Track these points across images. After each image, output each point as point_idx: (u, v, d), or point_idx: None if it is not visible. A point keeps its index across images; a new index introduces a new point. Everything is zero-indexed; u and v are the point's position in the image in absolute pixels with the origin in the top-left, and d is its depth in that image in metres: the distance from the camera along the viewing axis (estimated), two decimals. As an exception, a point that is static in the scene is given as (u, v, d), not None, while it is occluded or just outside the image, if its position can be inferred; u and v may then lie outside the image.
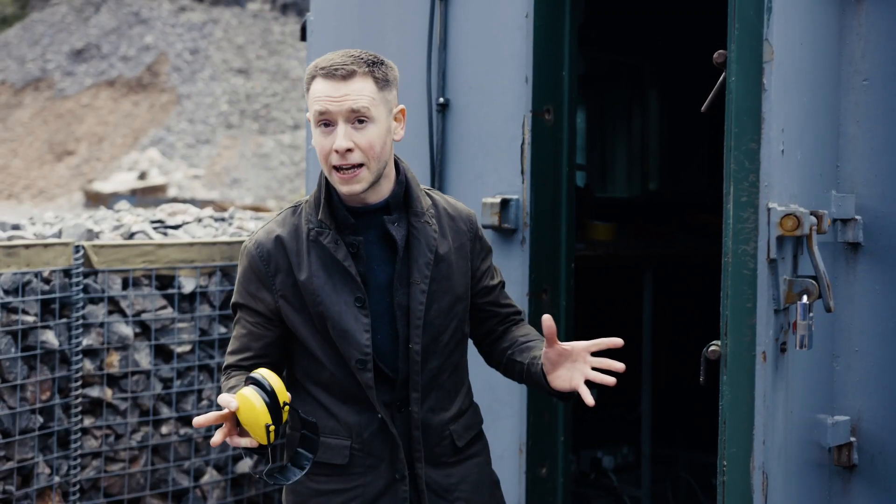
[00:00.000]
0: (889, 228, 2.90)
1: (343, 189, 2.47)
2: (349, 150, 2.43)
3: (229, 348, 2.61)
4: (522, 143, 3.85)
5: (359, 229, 2.53)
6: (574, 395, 2.50)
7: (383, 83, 2.48)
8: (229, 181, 34.57)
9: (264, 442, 2.25)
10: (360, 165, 2.45)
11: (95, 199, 31.00)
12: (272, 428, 2.23)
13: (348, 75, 2.44)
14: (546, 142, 3.88)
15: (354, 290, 2.50)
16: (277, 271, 2.53)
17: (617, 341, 2.43)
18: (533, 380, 2.60)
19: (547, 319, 2.43)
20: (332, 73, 2.44)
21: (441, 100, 4.06)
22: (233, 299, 2.63)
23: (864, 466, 2.97)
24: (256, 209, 21.35)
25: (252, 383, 2.28)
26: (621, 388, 5.40)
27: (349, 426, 2.54)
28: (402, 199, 2.57)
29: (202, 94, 38.01)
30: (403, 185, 2.58)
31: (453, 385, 2.65)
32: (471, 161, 4.02)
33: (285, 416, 2.28)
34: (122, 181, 32.79)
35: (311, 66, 2.51)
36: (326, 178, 2.53)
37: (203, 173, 34.81)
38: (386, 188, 2.55)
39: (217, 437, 2.27)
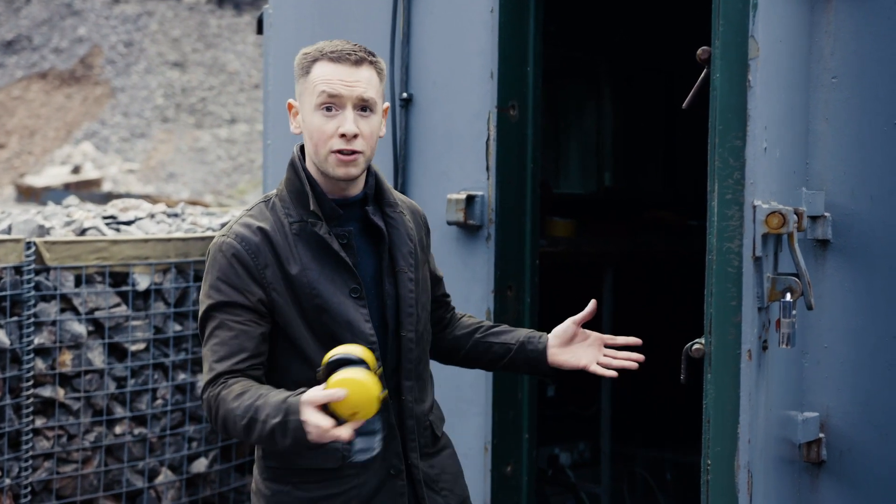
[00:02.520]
0: (857, 225, 2.92)
1: (341, 172, 2.44)
2: (356, 135, 2.42)
3: (215, 355, 2.40)
4: (488, 139, 3.82)
5: (343, 221, 2.51)
6: (560, 375, 2.66)
7: (382, 76, 2.51)
8: (165, 175, 34.13)
9: (374, 412, 2.14)
10: (361, 152, 2.45)
11: (27, 194, 30.39)
12: (385, 394, 2.16)
13: (359, 62, 2.44)
14: (511, 138, 3.86)
15: (350, 281, 2.47)
16: (267, 265, 2.44)
17: (636, 340, 2.65)
18: (524, 357, 2.68)
19: (593, 302, 2.63)
20: (343, 57, 2.43)
21: (404, 95, 4.02)
22: (209, 301, 2.44)
23: (832, 463, 2.99)
24: (194, 204, 21.10)
25: (343, 364, 2.15)
26: (578, 384, 5.41)
27: None
28: (373, 192, 2.57)
29: (137, 87, 37.47)
30: (374, 177, 2.57)
31: (427, 375, 2.68)
32: (435, 157, 3.99)
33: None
34: (55, 175, 32.20)
35: (311, 50, 2.48)
36: (304, 171, 2.50)
37: (138, 167, 34.32)
38: (362, 181, 2.55)
39: (323, 423, 2.12)
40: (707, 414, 2.40)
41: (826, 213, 2.93)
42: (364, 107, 2.44)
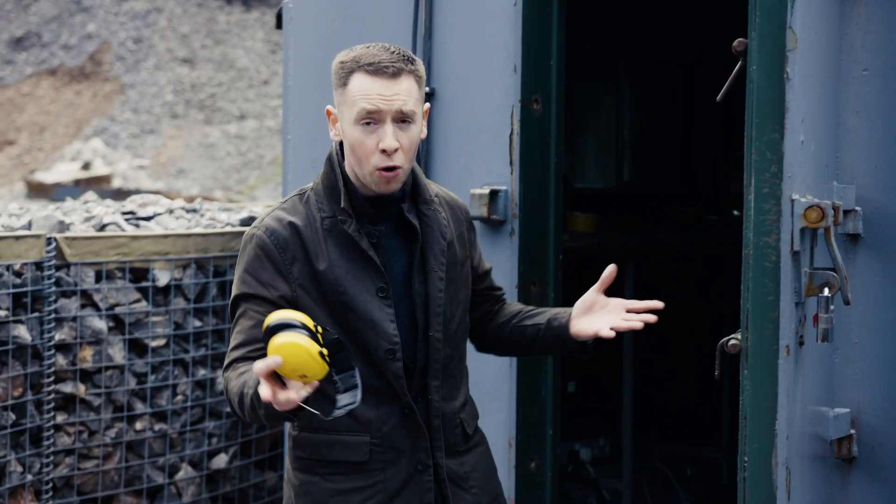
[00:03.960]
0: (889, 219, 2.90)
1: (383, 188, 2.44)
2: (396, 150, 2.39)
3: (233, 342, 2.46)
4: (511, 134, 3.80)
5: (375, 219, 2.49)
6: (588, 348, 2.61)
7: (421, 81, 2.47)
8: (175, 171, 34.14)
9: (323, 372, 2.11)
10: (401, 166, 2.42)
11: (38, 190, 30.44)
12: (325, 352, 2.11)
13: (397, 73, 2.39)
14: (535, 132, 3.84)
15: (377, 280, 2.46)
16: (294, 260, 2.45)
17: (657, 304, 2.57)
18: (552, 334, 2.64)
19: (612, 266, 2.56)
20: (381, 71, 2.38)
21: (427, 89, 3.99)
22: (236, 292, 2.48)
23: (863, 459, 2.96)
24: (205, 199, 21.10)
25: (277, 330, 2.11)
26: (598, 379, 5.38)
27: (368, 421, 2.49)
28: (409, 189, 2.54)
29: (146, 83, 37.49)
30: (411, 174, 2.55)
31: (459, 374, 2.65)
32: (458, 152, 3.97)
33: (321, 339, 2.14)
34: (65, 171, 32.24)
35: (346, 59, 2.43)
36: (340, 167, 2.49)
37: (148, 164, 34.34)
38: None
39: (267, 393, 2.09)
40: (744, 410, 2.38)
41: (857, 208, 2.90)
42: (403, 118, 2.41)
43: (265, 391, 2.10)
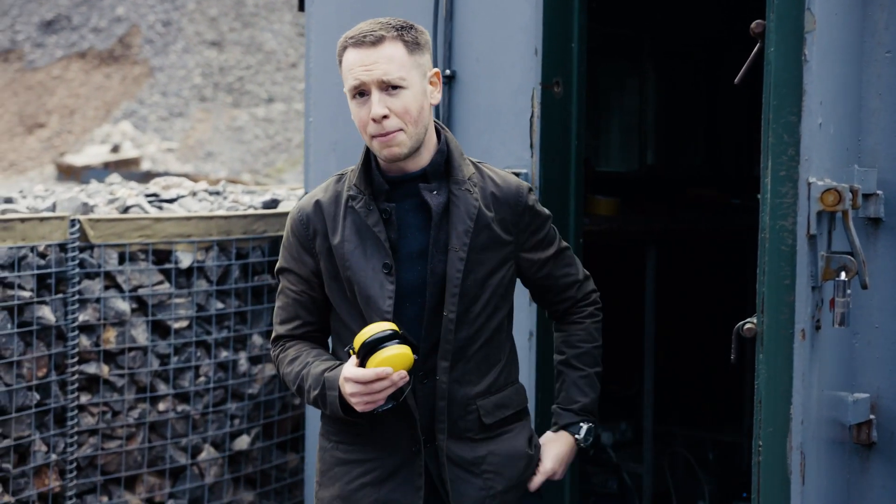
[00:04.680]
0: (911, 203, 2.87)
1: (385, 153, 2.47)
2: (385, 116, 2.42)
3: (278, 318, 2.67)
4: (532, 117, 3.79)
5: (394, 197, 2.53)
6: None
7: (413, 46, 2.47)
8: (203, 154, 34.28)
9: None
10: (399, 130, 2.44)
11: (68, 173, 30.64)
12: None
13: (377, 41, 2.42)
14: (555, 115, 3.83)
15: (383, 257, 2.50)
16: (316, 234, 2.57)
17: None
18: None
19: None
20: (361, 42, 2.44)
21: (448, 71, 3.99)
22: (278, 265, 2.68)
23: (883, 444, 2.94)
24: (232, 182, 21.19)
25: (377, 345, 2.38)
26: (620, 364, 5.37)
27: None
28: (442, 168, 2.55)
29: (175, 66, 37.62)
30: (444, 153, 2.55)
31: (484, 358, 2.61)
32: (478, 134, 3.96)
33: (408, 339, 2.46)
34: (95, 154, 32.43)
35: (341, 38, 2.50)
36: (367, 147, 2.55)
37: (176, 147, 34.50)
38: (426, 156, 2.54)
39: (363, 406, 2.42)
40: (759, 394, 2.37)
41: (878, 192, 2.87)
42: (391, 85, 2.43)
43: (360, 406, 2.40)
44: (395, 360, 2.38)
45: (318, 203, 2.59)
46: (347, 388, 2.40)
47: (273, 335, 2.70)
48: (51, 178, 31.49)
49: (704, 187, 5.80)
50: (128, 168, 29.68)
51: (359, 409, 2.41)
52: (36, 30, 40.27)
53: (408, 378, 2.43)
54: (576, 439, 2.76)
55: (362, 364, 2.39)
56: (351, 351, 2.42)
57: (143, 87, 36.89)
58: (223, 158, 33.99)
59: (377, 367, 2.36)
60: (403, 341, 2.40)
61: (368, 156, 2.55)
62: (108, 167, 29.51)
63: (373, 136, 2.46)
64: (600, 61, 6.08)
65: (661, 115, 6.15)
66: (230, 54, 38.21)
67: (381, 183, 2.52)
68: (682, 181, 5.92)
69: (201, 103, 36.49)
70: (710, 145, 6.32)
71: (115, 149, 32.63)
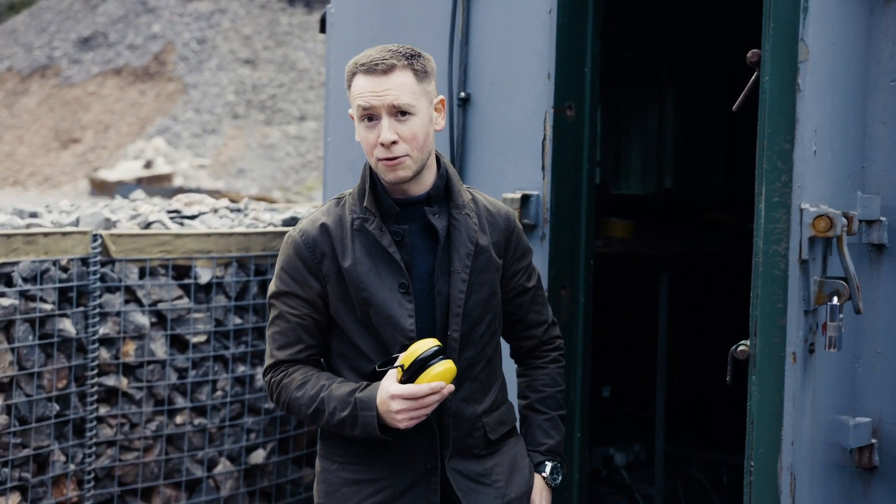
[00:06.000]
0: (913, 231, 2.89)
1: (390, 177, 2.54)
2: (394, 142, 2.50)
3: (275, 343, 2.63)
4: (544, 139, 3.84)
5: (402, 219, 2.59)
6: None
7: (422, 75, 2.55)
8: (235, 171, 34.56)
9: None
10: (406, 155, 2.52)
11: (101, 188, 30.99)
12: None
13: (388, 69, 2.50)
14: (567, 138, 3.88)
15: (398, 277, 2.55)
16: (323, 257, 2.59)
17: None
18: None
19: None
20: (372, 69, 2.50)
21: (462, 94, 4.06)
22: (273, 289, 2.64)
23: (885, 468, 2.97)
24: (262, 199, 21.34)
25: (429, 360, 2.46)
26: (634, 385, 5.40)
27: None
28: (442, 192, 2.63)
29: (209, 83, 37.98)
30: (444, 178, 2.64)
31: (486, 378, 2.69)
32: (491, 156, 4.02)
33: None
34: (128, 170, 32.78)
35: (350, 63, 2.57)
36: (371, 169, 2.61)
37: (209, 163, 34.80)
38: (428, 180, 2.61)
39: (407, 424, 2.47)
40: (751, 415, 2.41)
41: (882, 218, 2.90)
42: (401, 111, 2.51)
43: (405, 423, 2.45)
44: (444, 375, 2.46)
45: (324, 226, 2.60)
46: (395, 405, 2.43)
47: (269, 362, 2.65)
48: (84, 192, 31.84)
49: (721, 211, 5.83)
50: (160, 184, 29.98)
51: (403, 425, 2.44)
52: (73, 46, 40.81)
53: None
54: (543, 477, 2.80)
55: (411, 380, 2.46)
56: (400, 370, 2.47)
57: (176, 104, 37.26)
58: (254, 175, 34.25)
59: (432, 382, 2.43)
60: (446, 357, 2.49)
61: (374, 179, 2.61)
62: (141, 182, 29.82)
63: (379, 160, 2.52)
64: (620, 85, 6.13)
65: (681, 139, 6.19)
66: (263, 72, 38.54)
67: (391, 205, 2.58)
68: (700, 205, 5.95)
69: (234, 120, 36.81)
70: (729, 169, 6.35)
71: (148, 164, 32.96)
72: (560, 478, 2.82)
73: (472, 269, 2.60)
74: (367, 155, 2.57)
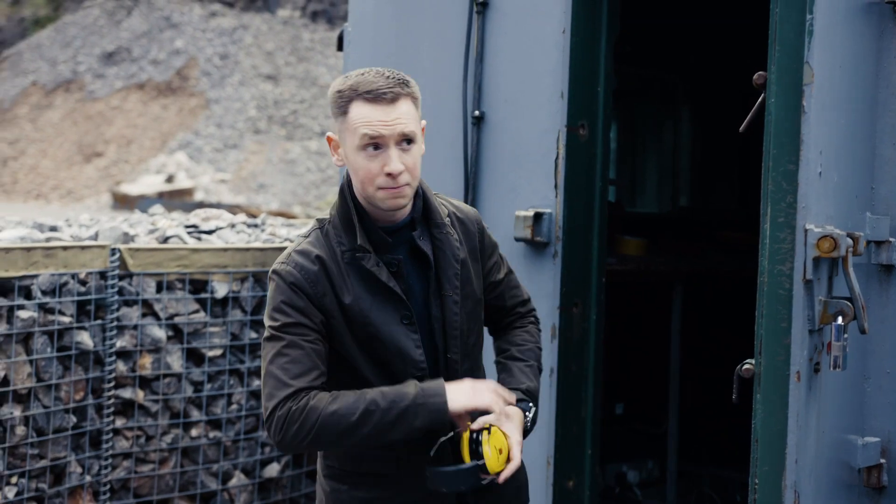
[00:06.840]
0: (923, 251, 2.90)
1: (389, 204, 2.49)
2: (401, 172, 2.46)
3: (288, 373, 2.45)
4: (557, 158, 3.88)
5: (392, 248, 2.56)
6: None
7: (417, 102, 2.53)
8: (256, 186, 34.71)
9: None
10: (406, 184, 2.49)
11: (123, 201, 31.18)
12: None
13: (395, 98, 2.46)
14: (580, 157, 3.91)
15: (401, 309, 2.54)
16: (325, 293, 2.51)
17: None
18: None
19: None
20: (379, 97, 2.45)
21: (476, 113, 4.10)
22: (276, 323, 2.50)
23: (893, 488, 2.97)
24: (282, 215, 21.45)
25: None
26: (647, 403, 5.40)
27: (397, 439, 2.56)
28: (421, 212, 2.61)
29: (231, 99, 38.20)
30: (422, 196, 2.61)
31: (475, 377, 2.68)
32: (504, 174, 4.06)
33: None
34: (150, 184, 32.98)
35: (343, 88, 2.49)
36: (353, 200, 2.55)
37: (230, 178, 34.97)
38: (409, 204, 2.57)
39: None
40: (755, 433, 2.43)
41: (891, 239, 2.91)
42: (406, 140, 2.47)
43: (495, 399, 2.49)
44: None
45: (320, 259, 2.52)
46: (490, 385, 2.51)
47: (285, 392, 2.44)
48: (106, 206, 32.05)
49: (736, 230, 5.84)
50: (181, 198, 30.14)
51: (496, 407, 2.47)
52: (97, 61, 41.13)
53: None
54: (525, 416, 2.65)
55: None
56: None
57: (198, 119, 37.49)
58: (275, 190, 34.39)
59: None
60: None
61: (360, 210, 2.55)
62: (163, 197, 30.00)
63: (381, 188, 2.48)
64: (636, 103, 6.16)
65: (696, 158, 6.21)
66: (285, 88, 38.74)
67: (382, 237, 2.54)
68: (715, 223, 5.97)
69: (255, 135, 36.99)
70: (743, 188, 6.37)
71: (170, 179, 33.15)
72: (532, 423, 2.68)
73: (462, 286, 2.61)
74: (362, 183, 2.49)
